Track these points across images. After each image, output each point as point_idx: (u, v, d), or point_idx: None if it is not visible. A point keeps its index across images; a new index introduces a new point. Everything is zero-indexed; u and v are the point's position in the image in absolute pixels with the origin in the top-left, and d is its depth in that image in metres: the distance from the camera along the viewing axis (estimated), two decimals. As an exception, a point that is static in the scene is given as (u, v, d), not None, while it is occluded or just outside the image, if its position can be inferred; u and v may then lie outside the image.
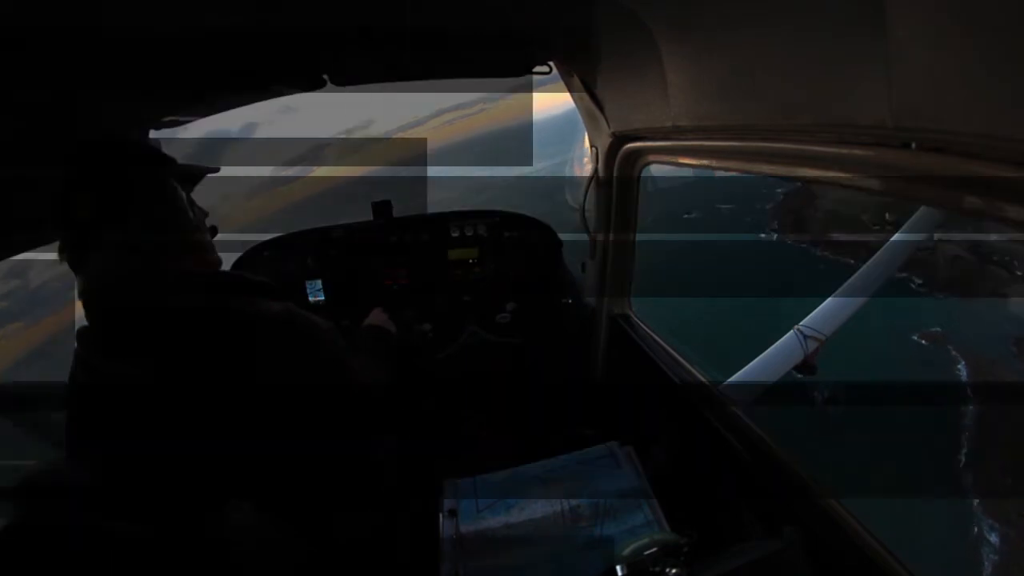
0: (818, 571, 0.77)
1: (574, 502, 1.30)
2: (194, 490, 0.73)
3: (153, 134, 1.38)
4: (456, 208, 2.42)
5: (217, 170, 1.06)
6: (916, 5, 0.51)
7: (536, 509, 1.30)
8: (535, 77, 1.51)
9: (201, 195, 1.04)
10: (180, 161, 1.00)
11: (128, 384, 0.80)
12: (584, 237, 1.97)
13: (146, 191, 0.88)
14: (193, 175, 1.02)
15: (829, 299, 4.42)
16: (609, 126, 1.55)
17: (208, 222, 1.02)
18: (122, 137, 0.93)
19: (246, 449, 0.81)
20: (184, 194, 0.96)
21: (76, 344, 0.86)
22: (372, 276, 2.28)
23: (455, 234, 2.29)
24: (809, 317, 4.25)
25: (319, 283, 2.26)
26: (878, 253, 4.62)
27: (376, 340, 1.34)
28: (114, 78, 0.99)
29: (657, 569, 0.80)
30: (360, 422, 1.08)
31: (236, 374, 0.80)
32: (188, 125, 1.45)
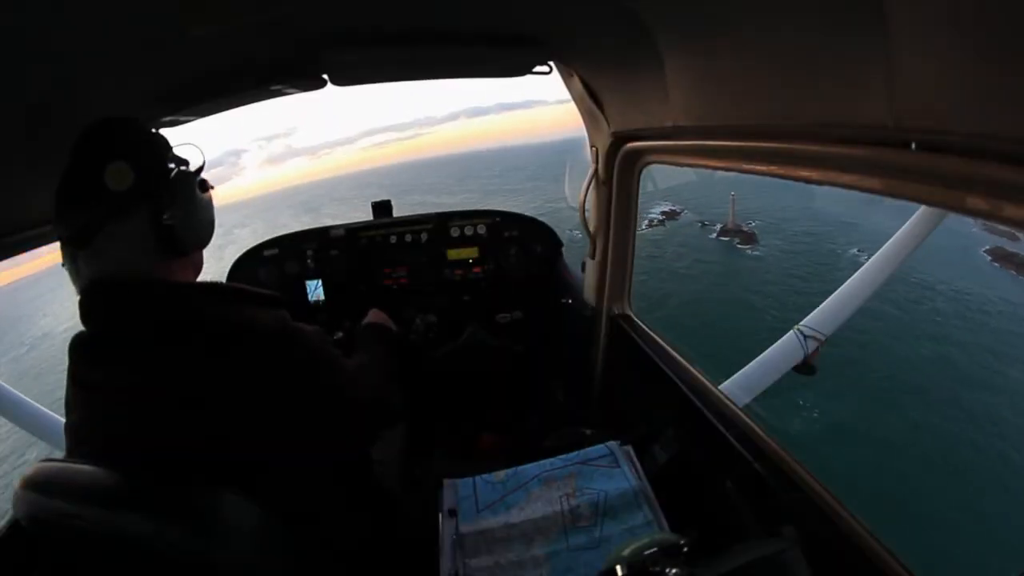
0: (818, 571, 0.77)
1: (574, 502, 1.30)
2: (191, 489, 0.73)
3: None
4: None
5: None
6: (916, 5, 0.51)
7: (536, 509, 1.30)
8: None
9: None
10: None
11: (114, 394, 0.79)
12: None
13: (202, 179, 0.92)
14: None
15: (829, 299, 4.42)
16: (609, 126, 1.55)
17: None
18: (136, 123, 0.90)
19: (245, 450, 0.81)
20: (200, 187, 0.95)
21: (68, 356, 0.85)
22: (372, 276, 2.28)
23: (455, 234, 2.29)
24: (809, 317, 4.25)
25: (319, 283, 2.26)
26: (878, 253, 4.62)
27: (376, 339, 1.34)
28: (113, 78, 0.99)
29: (657, 569, 0.80)
30: (357, 427, 1.08)
31: (226, 383, 0.80)
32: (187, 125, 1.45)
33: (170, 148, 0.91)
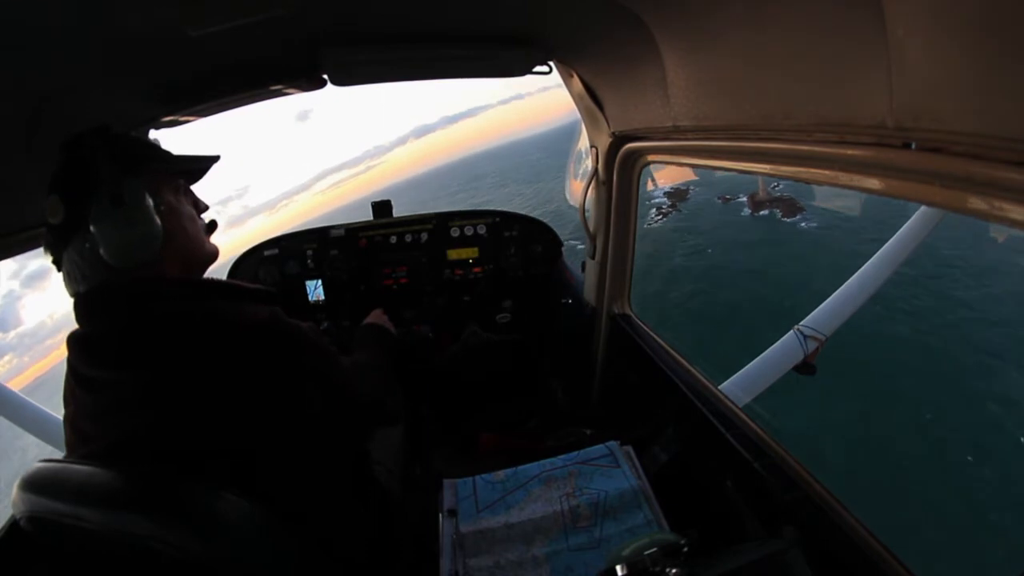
0: (818, 571, 0.77)
1: (574, 502, 1.30)
2: (191, 489, 0.73)
3: (152, 134, 1.38)
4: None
5: (216, 159, 1.01)
6: (916, 5, 0.51)
7: (536, 509, 1.30)
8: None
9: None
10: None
11: (113, 391, 0.80)
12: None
13: (115, 193, 0.82)
14: (192, 168, 0.99)
15: (829, 299, 4.43)
16: (609, 126, 1.55)
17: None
18: (99, 133, 0.87)
19: (240, 447, 0.81)
20: (174, 191, 0.93)
21: (67, 350, 0.86)
22: (372, 276, 2.28)
23: (455, 234, 2.30)
24: (809, 317, 4.26)
25: (319, 283, 2.26)
26: (877, 254, 4.62)
27: (375, 340, 1.34)
28: (113, 78, 0.99)
29: (657, 569, 0.80)
30: (351, 423, 1.08)
31: (220, 379, 0.80)
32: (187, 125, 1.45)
33: (123, 156, 0.86)
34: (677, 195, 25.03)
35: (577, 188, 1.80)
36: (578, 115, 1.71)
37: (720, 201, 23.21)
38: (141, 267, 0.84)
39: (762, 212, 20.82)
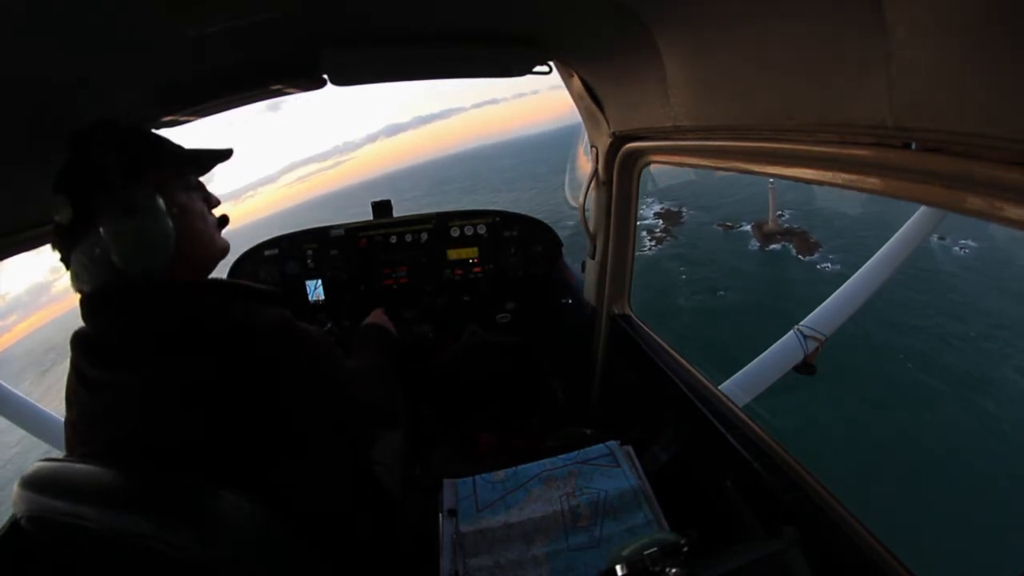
0: (818, 571, 0.77)
1: (574, 502, 1.30)
2: (192, 489, 0.73)
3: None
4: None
5: (229, 154, 1.00)
6: (916, 5, 0.51)
7: (536, 509, 1.30)
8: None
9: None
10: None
11: (114, 390, 0.80)
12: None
13: (127, 203, 0.82)
14: (201, 163, 0.97)
15: (829, 299, 4.42)
16: (609, 126, 1.55)
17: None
18: (107, 128, 0.86)
19: (246, 449, 0.81)
20: (185, 189, 0.92)
21: (70, 348, 0.86)
22: (372, 276, 2.28)
23: (455, 234, 2.30)
24: (809, 317, 4.25)
25: (319, 282, 2.26)
26: (878, 254, 4.62)
27: (375, 340, 1.34)
28: (113, 78, 0.99)
29: (657, 569, 0.80)
30: (356, 427, 1.08)
31: (224, 380, 0.79)
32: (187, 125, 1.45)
33: (132, 156, 0.85)
34: (669, 217, 22.87)
35: (585, 165, 1.78)
36: (558, 124, 1.71)
37: (720, 228, 21.08)
38: (155, 267, 0.84)
39: (773, 246, 18.73)
